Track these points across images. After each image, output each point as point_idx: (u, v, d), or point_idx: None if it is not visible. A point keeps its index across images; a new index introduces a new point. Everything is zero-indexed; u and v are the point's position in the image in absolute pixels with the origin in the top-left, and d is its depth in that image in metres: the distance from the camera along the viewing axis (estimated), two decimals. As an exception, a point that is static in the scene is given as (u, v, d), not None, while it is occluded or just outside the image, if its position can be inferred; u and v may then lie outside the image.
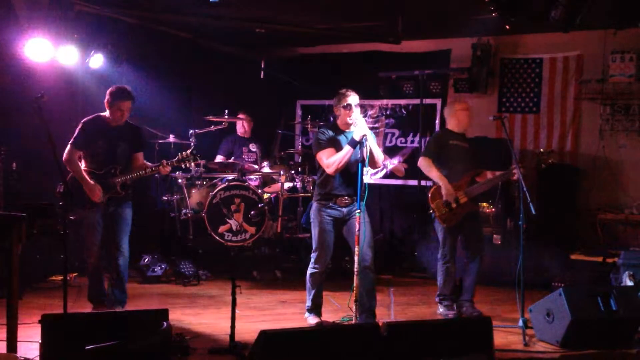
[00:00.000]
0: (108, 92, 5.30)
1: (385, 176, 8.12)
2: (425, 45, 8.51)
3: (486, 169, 5.87)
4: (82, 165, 5.30)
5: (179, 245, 7.26)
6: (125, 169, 5.33)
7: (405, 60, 8.45)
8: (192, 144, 7.03)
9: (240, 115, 7.71)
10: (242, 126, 7.82)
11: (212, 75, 8.39)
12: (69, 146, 5.24)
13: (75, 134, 5.29)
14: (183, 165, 5.58)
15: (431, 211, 5.74)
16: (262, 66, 8.13)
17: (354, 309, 4.75)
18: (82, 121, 5.34)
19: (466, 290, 5.77)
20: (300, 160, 7.75)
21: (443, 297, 5.78)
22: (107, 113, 5.31)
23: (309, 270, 5.27)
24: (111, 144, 5.29)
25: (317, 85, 8.53)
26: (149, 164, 5.51)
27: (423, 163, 5.79)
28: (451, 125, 5.86)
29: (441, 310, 5.77)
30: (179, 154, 5.49)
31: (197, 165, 7.08)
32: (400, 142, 8.65)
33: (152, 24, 7.51)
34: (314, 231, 5.21)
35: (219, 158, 7.78)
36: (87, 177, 5.21)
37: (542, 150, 6.30)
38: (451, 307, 5.74)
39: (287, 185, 7.32)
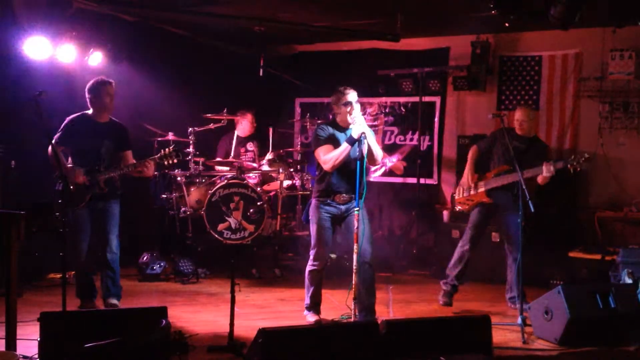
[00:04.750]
0: (88, 88, 5.38)
1: (384, 174, 8.13)
2: (424, 43, 8.50)
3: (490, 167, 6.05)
4: (69, 162, 5.34)
5: (178, 243, 7.26)
6: (110, 166, 5.33)
7: (404, 58, 8.45)
8: (191, 141, 7.04)
9: (247, 114, 7.73)
10: (241, 124, 7.80)
11: (211, 73, 8.37)
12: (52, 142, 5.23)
13: (60, 131, 5.34)
14: (165, 162, 5.41)
15: (453, 193, 6.18)
16: (261, 64, 8.10)
17: (352, 307, 4.75)
18: (68, 118, 5.41)
19: (509, 288, 5.92)
20: (299, 158, 7.73)
21: (445, 278, 5.92)
22: (90, 111, 5.40)
23: (308, 268, 5.27)
24: (96, 141, 5.32)
25: (316, 83, 8.53)
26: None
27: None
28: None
29: (440, 295, 5.92)
30: (161, 150, 5.41)
31: (196, 163, 7.10)
32: (399, 140, 8.65)
33: (152, 21, 7.50)
34: (313, 228, 5.21)
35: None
36: (64, 161, 5.23)
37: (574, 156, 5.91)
38: (447, 294, 5.85)
39: (286, 183, 7.32)
